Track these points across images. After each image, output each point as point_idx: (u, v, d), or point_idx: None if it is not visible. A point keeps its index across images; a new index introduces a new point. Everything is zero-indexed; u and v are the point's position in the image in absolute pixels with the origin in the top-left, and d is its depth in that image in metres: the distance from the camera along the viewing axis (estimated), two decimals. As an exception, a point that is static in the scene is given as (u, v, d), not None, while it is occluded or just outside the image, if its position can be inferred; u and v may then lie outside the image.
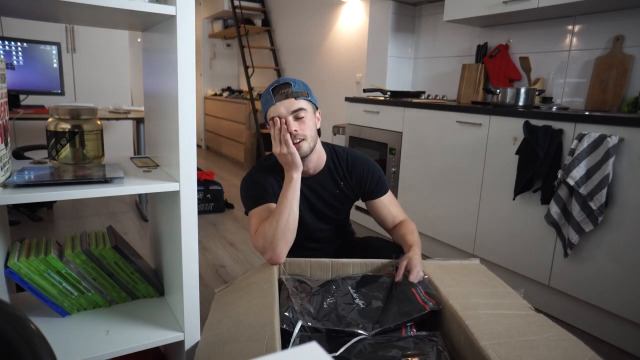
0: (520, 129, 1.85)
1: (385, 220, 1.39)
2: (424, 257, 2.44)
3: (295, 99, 1.21)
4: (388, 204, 1.40)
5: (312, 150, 1.26)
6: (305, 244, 1.42)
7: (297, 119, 1.21)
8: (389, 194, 1.41)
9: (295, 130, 1.20)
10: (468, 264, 1.27)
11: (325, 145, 1.39)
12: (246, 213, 1.33)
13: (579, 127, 1.67)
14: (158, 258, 1.38)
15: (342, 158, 1.39)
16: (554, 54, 2.30)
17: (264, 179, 1.32)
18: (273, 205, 1.27)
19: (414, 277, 1.12)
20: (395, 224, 1.39)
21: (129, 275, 1.22)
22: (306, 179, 1.34)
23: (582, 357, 0.82)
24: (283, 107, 1.20)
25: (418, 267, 1.15)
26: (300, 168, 1.22)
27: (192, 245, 1.08)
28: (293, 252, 1.26)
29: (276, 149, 1.20)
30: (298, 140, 1.21)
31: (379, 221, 1.41)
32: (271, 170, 1.33)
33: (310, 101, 1.25)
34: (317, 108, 1.30)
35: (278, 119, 1.20)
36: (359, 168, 1.38)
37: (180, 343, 1.14)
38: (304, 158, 1.25)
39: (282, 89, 1.21)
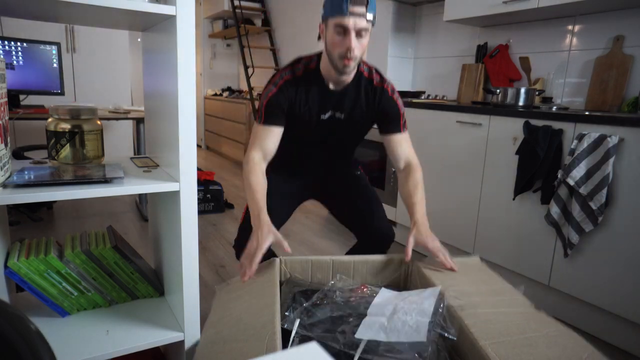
0: (520, 129, 1.85)
1: (398, 158, 1.39)
2: (422, 256, 2.44)
3: (367, 20, 1.18)
4: (404, 142, 1.39)
5: (354, 69, 1.29)
6: (291, 160, 1.47)
7: (359, 37, 1.20)
8: (406, 133, 1.41)
9: (354, 49, 1.19)
10: (467, 261, 1.27)
11: (365, 62, 1.39)
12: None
13: (579, 127, 1.67)
14: (158, 258, 1.38)
15: (374, 81, 1.37)
16: (554, 54, 2.30)
17: (283, 98, 1.31)
18: (273, 129, 1.31)
19: (435, 250, 1.14)
20: (405, 165, 1.39)
21: (129, 275, 1.22)
22: (333, 93, 1.34)
23: (582, 353, 0.81)
24: (352, 22, 1.16)
25: (429, 240, 1.15)
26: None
27: (192, 245, 1.08)
28: (274, 163, 1.35)
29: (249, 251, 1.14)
30: (350, 57, 1.20)
31: (392, 157, 1.42)
32: (300, 85, 1.32)
33: (373, 23, 1.23)
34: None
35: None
36: (386, 97, 1.37)
37: (180, 343, 1.14)
38: (343, 74, 1.28)
39: (359, 2, 1.16)
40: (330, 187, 1.57)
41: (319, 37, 1.30)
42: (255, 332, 0.88)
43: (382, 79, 1.37)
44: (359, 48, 1.21)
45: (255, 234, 1.13)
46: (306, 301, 1.04)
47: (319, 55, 1.34)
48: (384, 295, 1.06)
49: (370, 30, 1.23)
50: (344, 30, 1.18)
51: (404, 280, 1.23)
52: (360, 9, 1.16)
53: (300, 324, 0.95)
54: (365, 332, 0.91)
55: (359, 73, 1.34)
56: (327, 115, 1.36)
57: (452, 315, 0.94)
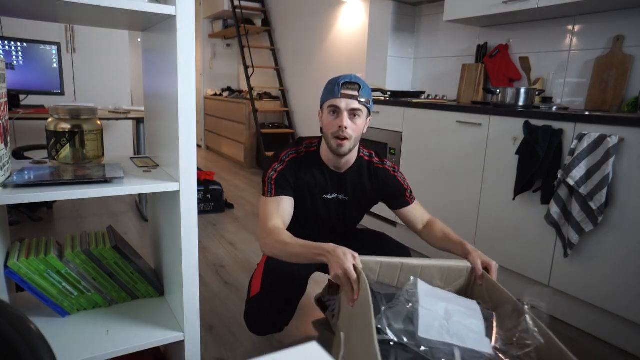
0: (520, 129, 1.85)
1: (415, 223, 1.45)
2: (423, 257, 2.45)
3: (358, 102, 1.26)
4: (416, 210, 1.46)
5: (350, 151, 1.31)
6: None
7: (352, 117, 1.27)
8: (416, 201, 1.47)
9: (346, 127, 1.25)
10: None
11: (365, 147, 1.46)
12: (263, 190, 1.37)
13: (579, 127, 1.67)
14: (158, 258, 1.38)
15: (374, 163, 1.44)
16: (554, 54, 2.30)
17: (290, 173, 1.35)
18: (285, 199, 1.31)
19: (494, 273, 1.14)
20: (424, 225, 1.44)
21: (129, 275, 1.22)
22: (335, 175, 1.39)
23: None
24: (344, 103, 1.25)
25: (492, 264, 1.16)
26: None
27: (192, 245, 1.08)
28: None
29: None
30: (343, 137, 1.26)
31: (409, 225, 1.47)
32: (303, 165, 1.37)
33: (368, 108, 1.30)
34: (370, 114, 1.35)
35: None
36: (389, 176, 1.44)
37: (180, 343, 1.14)
38: (341, 156, 1.32)
39: (350, 87, 1.26)
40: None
41: (321, 130, 1.36)
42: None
43: (382, 160, 1.44)
44: (352, 128, 1.26)
45: (334, 260, 1.03)
46: (386, 303, 0.99)
47: (320, 140, 1.40)
48: (425, 288, 1.03)
49: (366, 116, 1.30)
50: (336, 111, 1.26)
51: (471, 287, 1.17)
52: (352, 92, 1.25)
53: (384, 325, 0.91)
54: (428, 330, 0.89)
55: (359, 158, 1.41)
56: (331, 196, 1.41)
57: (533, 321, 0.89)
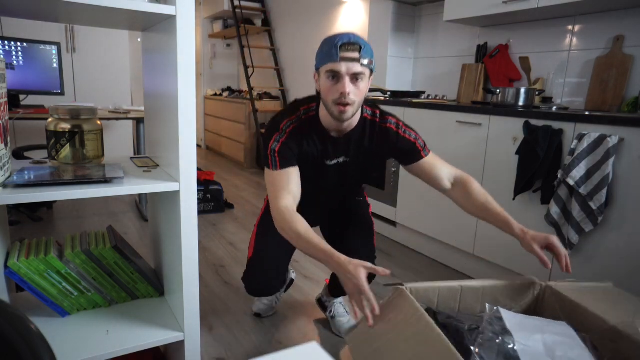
0: (520, 129, 1.85)
1: (439, 180, 1.30)
2: (426, 258, 2.45)
3: (361, 65, 1.12)
4: (435, 163, 1.31)
5: (353, 115, 1.20)
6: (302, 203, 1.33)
7: (354, 82, 1.13)
8: (432, 154, 1.32)
9: (348, 94, 1.12)
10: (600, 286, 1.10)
11: (367, 106, 1.32)
12: (263, 164, 1.29)
13: (579, 127, 1.67)
14: (158, 258, 1.38)
15: (378, 123, 1.30)
16: (554, 54, 2.30)
17: (292, 144, 1.24)
18: (291, 171, 1.22)
19: (559, 246, 1.07)
20: (453, 182, 1.31)
21: (129, 275, 1.22)
22: (337, 139, 1.29)
23: None
24: (344, 67, 1.11)
25: (548, 237, 1.08)
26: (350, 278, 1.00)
27: (192, 245, 1.08)
28: None
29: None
30: (346, 104, 1.14)
31: (431, 183, 1.32)
32: (304, 134, 1.26)
33: (371, 69, 1.18)
34: (372, 74, 1.22)
35: None
36: (394, 135, 1.30)
37: (180, 343, 1.14)
38: (343, 121, 1.21)
39: (350, 48, 1.11)
40: (331, 212, 1.60)
41: (317, 92, 1.26)
42: None
43: (386, 119, 1.30)
44: (355, 93, 1.14)
45: (345, 277, 0.97)
46: (456, 335, 0.87)
47: (318, 103, 1.28)
48: (509, 316, 0.92)
49: (369, 76, 1.18)
50: (336, 76, 1.13)
51: (540, 304, 1.08)
52: (353, 54, 1.11)
53: None
54: None
55: (362, 119, 1.29)
56: (332, 162, 1.33)
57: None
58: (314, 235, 1.09)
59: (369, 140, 1.31)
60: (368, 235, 1.53)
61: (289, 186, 1.21)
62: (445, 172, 1.31)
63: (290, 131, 1.25)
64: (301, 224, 1.12)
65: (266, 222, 1.43)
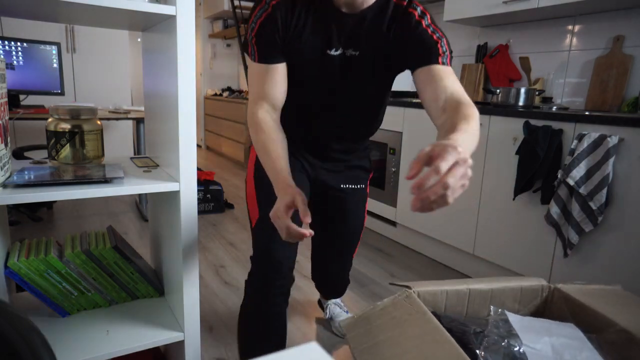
0: (520, 129, 1.85)
1: (437, 98, 0.88)
2: (426, 258, 2.45)
3: None
4: (444, 76, 0.91)
5: None
6: (290, 124, 1.05)
7: None
8: (449, 68, 0.94)
9: None
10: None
11: None
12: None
13: (579, 127, 1.67)
14: (158, 258, 1.38)
15: (397, 4, 1.00)
16: (554, 54, 2.30)
17: (277, 23, 0.94)
18: (274, 68, 0.96)
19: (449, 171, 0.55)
20: (449, 104, 0.85)
21: (129, 275, 1.22)
22: (346, 18, 0.97)
23: None
24: None
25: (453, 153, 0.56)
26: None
27: (192, 245, 1.08)
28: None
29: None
30: None
31: (426, 103, 0.92)
32: (297, 4, 0.96)
33: None
34: None
35: None
36: (416, 22, 0.99)
37: (180, 343, 1.14)
38: None
39: None
40: (325, 193, 1.26)
41: None
42: None
43: (411, 3, 1.02)
44: None
45: (278, 197, 0.86)
46: (462, 338, 0.85)
47: None
48: (515, 319, 0.90)
49: None
50: None
51: (549, 307, 1.06)
52: None
53: None
54: None
55: None
56: (336, 52, 0.98)
57: None
58: (276, 149, 0.92)
59: (388, 24, 0.98)
60: (349, 258, 1.44)
61: (266, 85, 0.97)
62: (449, 90, 0.88)
63: (275, 4, 0.94)
64: (267, 134, 0.94)
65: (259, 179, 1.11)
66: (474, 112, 0.79)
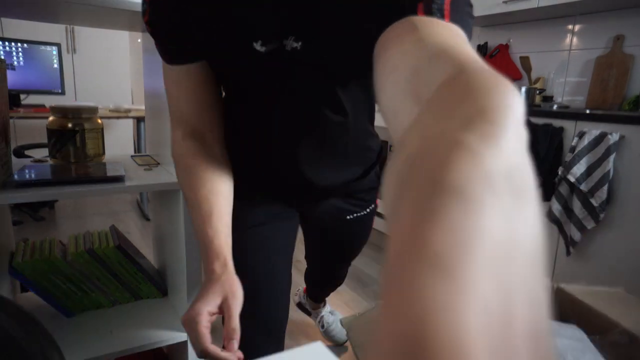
0: (521, 128, 1.85)
1: (397, 80, 0.39)
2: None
3: None
4: (426, 28, 0.41)
5: None
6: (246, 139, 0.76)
7: None
8: (447, 24, 0.44)
9: None
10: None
11: None
12: None
13: (579, 125, 1.67)
14: (161, 258, 1.38)
15: None
16: (554, 54, 2.30)
17: (163, 16, 0.60)
18: (190, 68, 0.64)
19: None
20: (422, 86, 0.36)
21: (132, 275, 1.22)
22: None
23: None
24: None
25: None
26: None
27: (195, 245, 1.08)
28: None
29: None
30: None
31: (384, 102, 0.42)
32: None
33: None
34: None
35: None
36: None
37: (184, 344, 1.14)
38: None
39: None
40: (325, 230, 1.02)
41: None
42: None
43: None
44: None
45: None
46: None
47: None
48: None
49: None
50: None
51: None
52: None
53: None
54: None
55: None
56: (264, 46, 0.60)
57: None
58: (209, 212, 0.63)
59: None
60: (350, 263, 1.25)
61: (187, 105, 0.67)
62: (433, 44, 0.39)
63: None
64: (188, 172, 0.67)
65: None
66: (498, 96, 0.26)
